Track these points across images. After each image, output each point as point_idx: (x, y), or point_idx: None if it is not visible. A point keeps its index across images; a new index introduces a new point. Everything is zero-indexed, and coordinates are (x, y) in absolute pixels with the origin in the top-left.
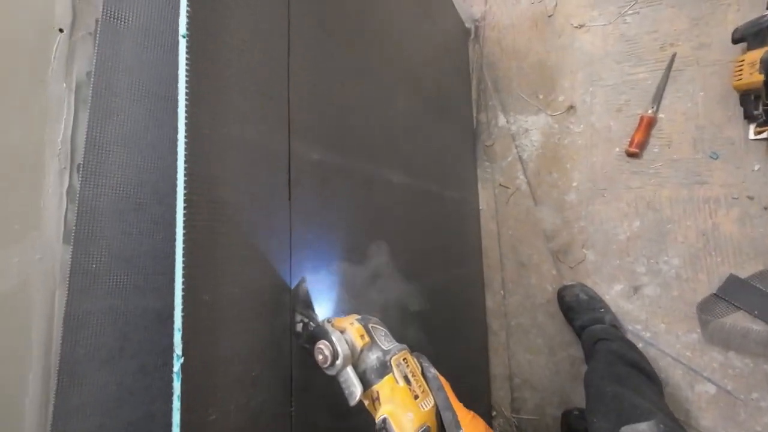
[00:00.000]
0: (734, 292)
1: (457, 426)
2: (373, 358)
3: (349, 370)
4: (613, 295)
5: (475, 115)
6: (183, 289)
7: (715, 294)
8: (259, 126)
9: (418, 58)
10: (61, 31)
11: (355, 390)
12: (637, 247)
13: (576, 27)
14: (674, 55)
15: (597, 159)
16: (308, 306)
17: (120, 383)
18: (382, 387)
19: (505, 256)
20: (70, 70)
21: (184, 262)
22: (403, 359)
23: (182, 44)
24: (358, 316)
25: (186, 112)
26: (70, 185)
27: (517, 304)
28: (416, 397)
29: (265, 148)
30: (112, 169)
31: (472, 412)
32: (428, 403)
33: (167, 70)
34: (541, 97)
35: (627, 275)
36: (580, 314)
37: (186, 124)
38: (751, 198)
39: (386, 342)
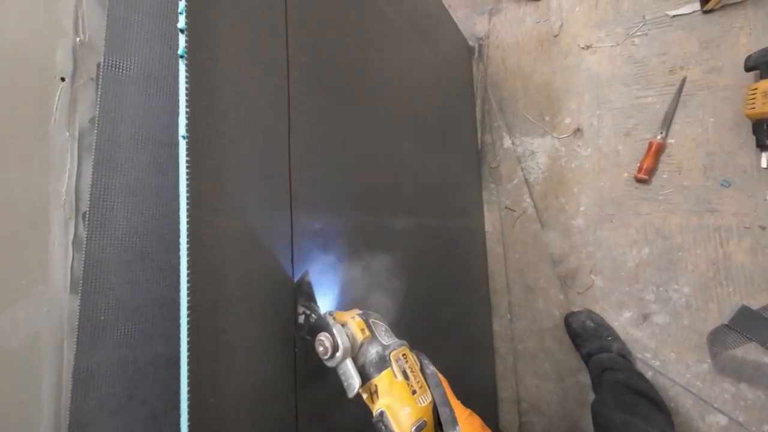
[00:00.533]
0: (746, 324)
1: (454, 422)
2: (372, 352)
3: (349, 362)
4: (621, 322)
5: (479, 136)
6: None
7: (726, 325)
8: (261, 210)
9: (421, 88)
10: (62, 80)
11: (353, 382)
12: (646, 274)
13: (583, 48)
14: (684, 79)
15: (605, 184)
16: (311, 298)
17: (130, 431)
18: (381, 381)
19: (512, 280)
20: (72, 119)
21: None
22: (403, 355)
23: (182, 145)
24: (360, 311)
25: (188, 211)
26: (76, 235)
27: (524, 329)
28: (414, 392)
29: (266, 228)
30: (117, 219)
31: (469, 410)
32: (426, 399)
33: (169, 116)
34: (547, 118)
35: (636, 302)
36: (587, 342)
37: (188, 221)
38: (763, 228)
39: (386, 337)
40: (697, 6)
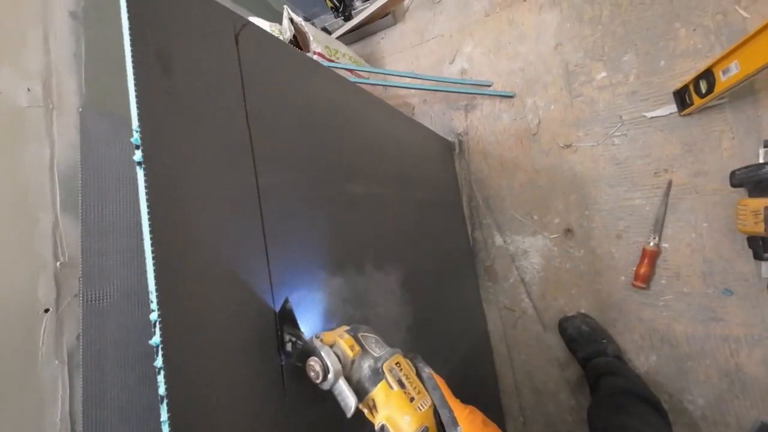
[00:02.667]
0: None
1: (455, 423)
2: (365, 366)
3: (342, 382)
4: None
5: (470, 233)
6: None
7: None
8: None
9: (403, 183)
10: (46, 311)
11: (349, 402)
12: (657, 382)
13: (563, 147)
14: (670, 182)
15: (602, 287)
16: (294, 325)
17: None
18: (377, 394)
19: (520, 382)
20: (59, 344)
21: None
22: (396, 363)
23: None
24: (347, 327)
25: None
26: None
27: None
28: (412, 399)
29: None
30: None
31: (469, 407)
32: (425, 404)
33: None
34: (535, 218)
35: None
36: (583, 346)
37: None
38: None
39: (377, 349)
40: (673, 108)
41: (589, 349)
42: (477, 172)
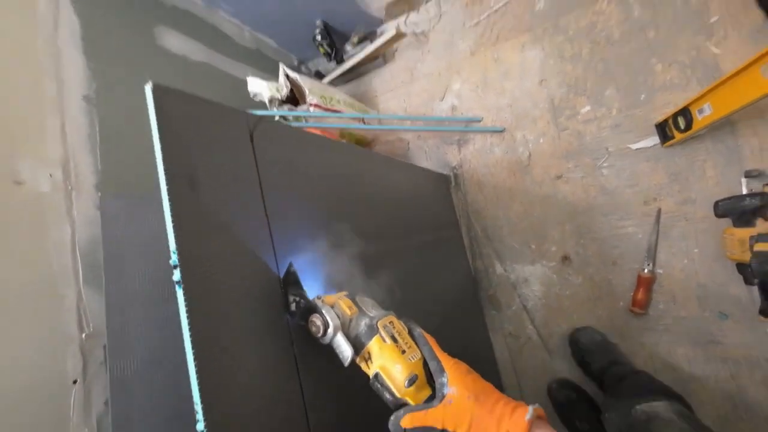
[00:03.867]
0: None
1: (442, 370)
2: (361, 324)
3: (340, 336)
4: None
5: (471, 262)
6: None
7: None
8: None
9: (408, 240)
10: (74, 382)
11: (346, 353)
12: None
13: (554, 178)
14: (659, 211)
15: (603, 312)
16: (298, 286)
17: None
18: (372, 346)
19: None
20: (88, 412)
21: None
22: (390, 322)
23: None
24: (347, 292)
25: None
26: None
27: None
28: (403, 352)
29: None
30: None
31: (454, 359)
32: (415, 356)
33: (172, 388)
34: (533, 246)
35: None
36: (599, 356)
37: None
38: None
39: (373, 310)
40: (656, 139)
41: (604, 359)
42: (474, 203)
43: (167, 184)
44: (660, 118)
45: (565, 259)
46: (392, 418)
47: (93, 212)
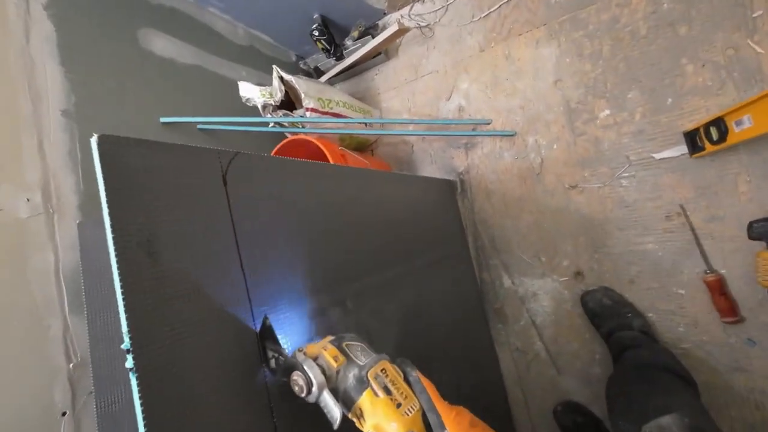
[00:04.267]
0: None
1: (442, 426)
2: (350, 376)
3: (326, 394)
4: None
5: (477, 274)
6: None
7: None
8: None
9: (412, 262)
10: (63, 414)
11: (335, 413)
12: None
13: (568, 188)
14: (686, 214)
15: None
16: (275, 341)
17: None
18: (363, 402)
19: (539, 427)
20: None
21: None
22: (381, 370)
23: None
24: (332, 337)
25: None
26: None
27: None
28: (399, 405)
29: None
30: None
31: (456, 408)
32: (413, 408)
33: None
34: (543, 259)
35: None
36: (606, 320)
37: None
38: None
39: (363, 357)
40: (684, 149)
41: (612, 323)
42: (481, 212)
43: (117, 255)
44: (689, 126)
45: (578, 274)
46: None
47: (77, 237)
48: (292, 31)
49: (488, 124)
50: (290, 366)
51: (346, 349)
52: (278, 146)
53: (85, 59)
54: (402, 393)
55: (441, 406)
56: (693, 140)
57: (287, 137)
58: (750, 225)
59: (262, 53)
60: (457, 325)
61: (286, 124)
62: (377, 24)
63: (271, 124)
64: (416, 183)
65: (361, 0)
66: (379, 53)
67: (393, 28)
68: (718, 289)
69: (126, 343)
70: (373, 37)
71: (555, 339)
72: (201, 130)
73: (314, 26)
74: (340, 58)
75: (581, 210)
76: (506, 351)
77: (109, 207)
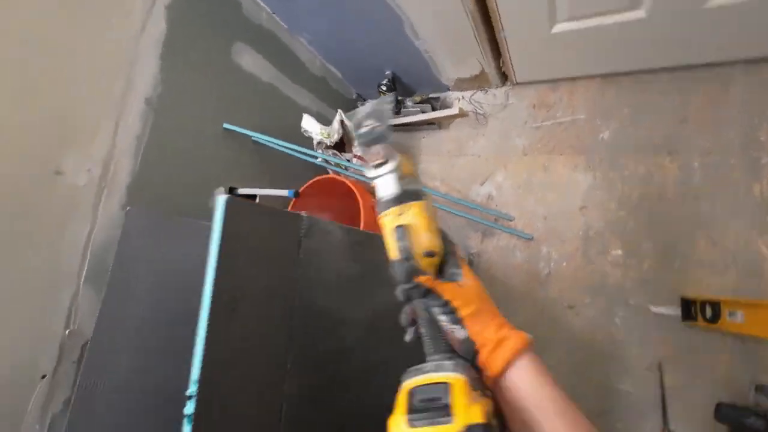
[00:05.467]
0: None
1: (457, 266)
2: (412, 185)
3: (393, 174)
4: None
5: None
6: None
7: None
8: None
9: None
10: (42, 377)
11: (393, 188)
12: None
13: (567, 306)
14: (661, 368)
15: None
16: (387, 117)
17: None
18: (413, 207)
19: None
20: (46, 410)
21: None
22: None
23: None
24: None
25: None
26: None
27: None
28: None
29: None
30: None
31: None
32: (439, 239)
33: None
34: None
35: None
36: None
37: None
38: None
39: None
40: (678, 311)
41: None
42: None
43: (211, 306)
44: (689, 294)
45: None
46: (406, 265)
47: (117, 214)
48: (363, 75)
49: (511, 221)
50: (383, 138)
51: (417, 169)
52: (318, 178)
53: (181, 58)
54: (438, 227)
55: (461, 261)
56: (688, 308)
57: (329, 173)
58: (718, 407)
59: (330, 87)
60: None
61: (332, 162)
62: (439, 96)
63: (320, 159)
64: None
65: (433, 74)
66: (433, 122)
67: (454, 110)
68: None
69: (192, 389)
70: (433, 108)
71: None
72: (254, 142)
73: (385, 80)
74: (397, 113)
75: (573, 330)
76: None
77: (217, 262)
